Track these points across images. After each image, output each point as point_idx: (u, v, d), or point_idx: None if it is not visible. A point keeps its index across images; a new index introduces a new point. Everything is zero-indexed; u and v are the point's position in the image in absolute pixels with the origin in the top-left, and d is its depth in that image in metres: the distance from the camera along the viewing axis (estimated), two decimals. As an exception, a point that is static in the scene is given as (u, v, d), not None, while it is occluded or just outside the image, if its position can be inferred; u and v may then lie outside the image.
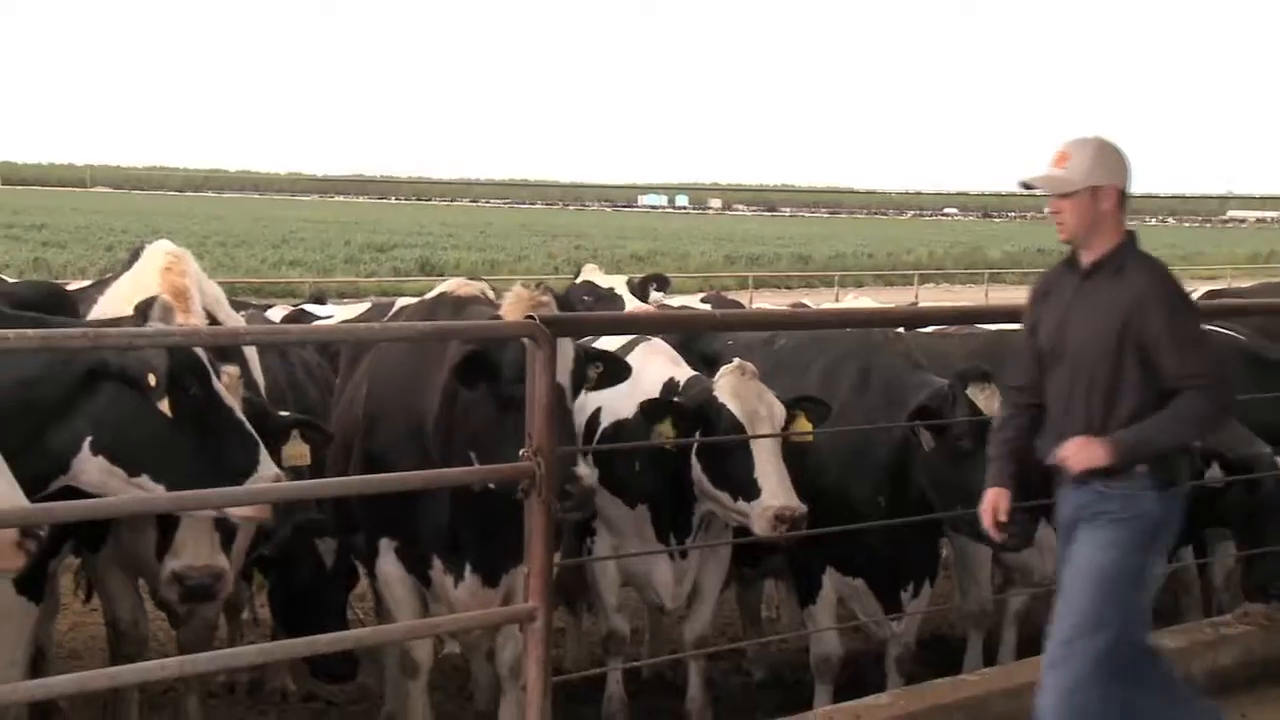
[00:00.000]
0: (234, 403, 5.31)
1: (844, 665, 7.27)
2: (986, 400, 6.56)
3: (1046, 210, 5.26)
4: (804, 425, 6.70)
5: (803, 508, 6.36)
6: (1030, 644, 7.81)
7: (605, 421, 7.05)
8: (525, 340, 5.10)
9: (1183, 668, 7.09)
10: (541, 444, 4.99)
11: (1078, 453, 5.05)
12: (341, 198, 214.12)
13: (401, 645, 6.71)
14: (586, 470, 5.43)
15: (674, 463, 6.70)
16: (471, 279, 10.44)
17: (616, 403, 6.84)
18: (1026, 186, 5.20)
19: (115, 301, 6.52)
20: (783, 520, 6.32)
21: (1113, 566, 5.06)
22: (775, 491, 6.38)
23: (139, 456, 5.06)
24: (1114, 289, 5.08)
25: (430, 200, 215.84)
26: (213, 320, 6.39)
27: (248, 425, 5.24)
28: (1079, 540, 5.16)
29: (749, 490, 6.44)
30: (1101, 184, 5.07)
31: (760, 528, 6.40)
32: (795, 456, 6.76)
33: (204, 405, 5.13)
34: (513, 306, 5.94)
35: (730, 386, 6.61)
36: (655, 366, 7.16)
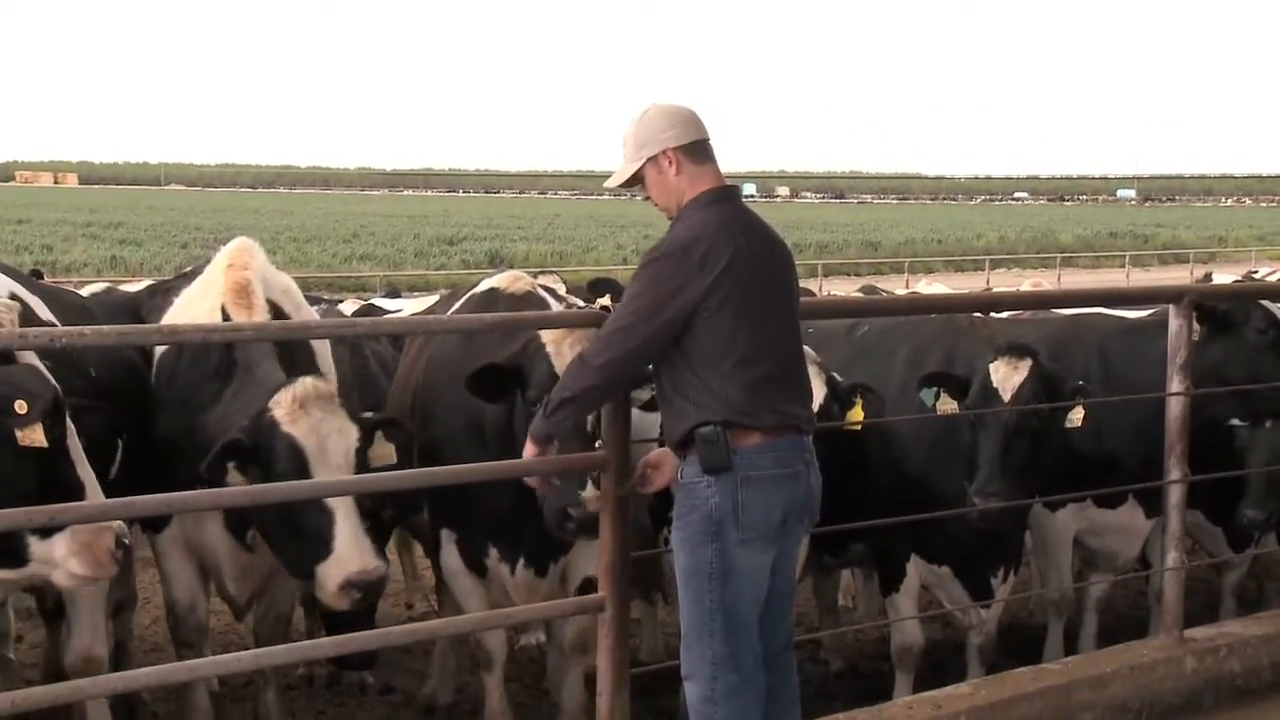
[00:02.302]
0: (77, 448, 5.04)
1: (924, 655, 7.20)
2: (1004, 376, 6.50)
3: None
4: (857, 414, 6.62)
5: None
6: (1112, 632, 7.74)
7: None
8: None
9: (1269, 656, 7.01)
10: (610, 435, 5.00)
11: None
12: (410, 191, 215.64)
13: (474, 636, 6.72)
14: (593, 493, 5.30)
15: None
16: (539, 272, 10.46)
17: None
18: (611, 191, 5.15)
19: (186, 302, 6.59)
20: None
21: (687, 565, 4.84)
22: None
23: None
24: None
25: (498, 192, 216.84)
26: (278, 313, 6.38)
27: (80, 471, 4.99)
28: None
29: None
30: (652, 152, 4.85)
31: None
32: (881, 443, 6.72)
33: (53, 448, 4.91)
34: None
35: None
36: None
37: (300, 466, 5.52)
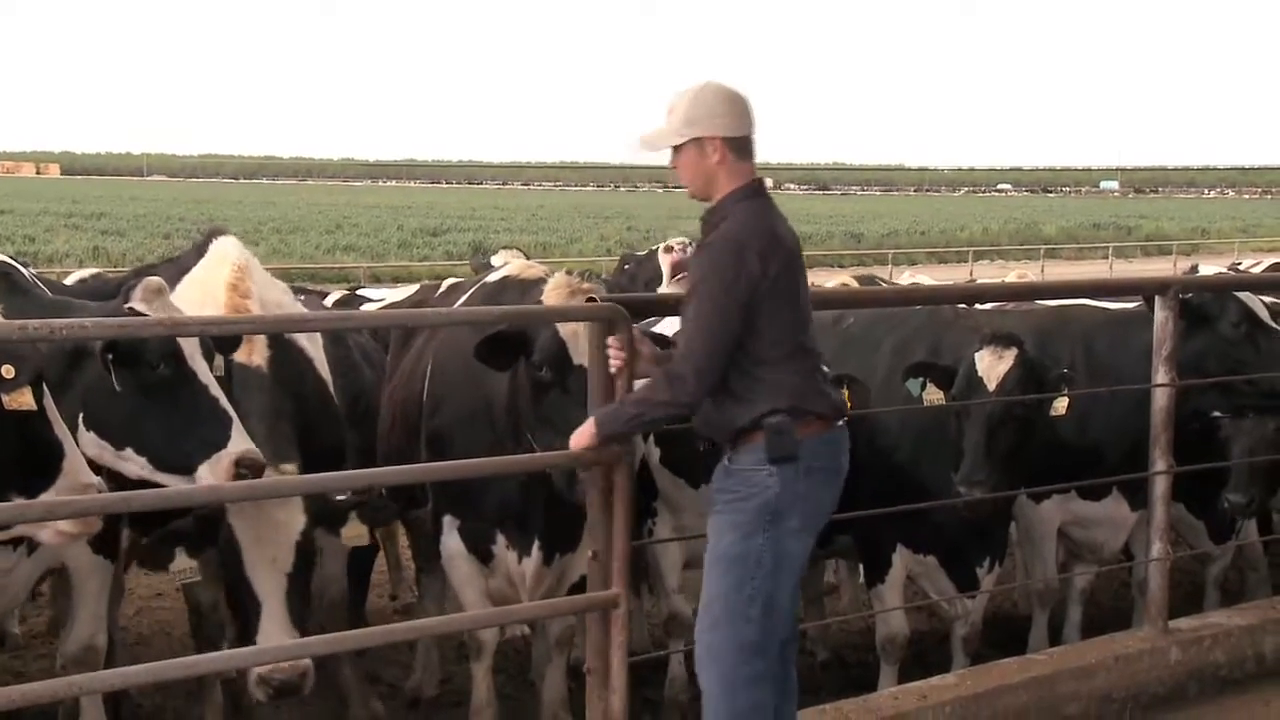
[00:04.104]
0: (210, 380, 5.43)
1: (909, 645, 7.21)
2: (989, 366, 6.52)
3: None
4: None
5: None
6: (1096, 622, 7.77)
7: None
8: (592, 324, 5.08)
9: (1252, 646, 7.04)
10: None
11: (580, 430, 4.90)
12: (393, 182, 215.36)
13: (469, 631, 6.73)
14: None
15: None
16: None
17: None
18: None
19: (184, 302, 6.55)
20: None
21: (731, 550, 4.84)
22: None
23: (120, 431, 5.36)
24: (703, 243, 4.89)
25: (482, 184, 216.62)
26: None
27: (223, 402, 5.39)
28: (709, 525, 4.97)
29: None
30: (699, 134, 4.79)
31: None
32: (868, 434, 6.71)
33: (173, 383, 5.34)
34: (553, 293, 6.00)
35: None
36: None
37: (235, 556, 5.58)
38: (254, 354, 6.12)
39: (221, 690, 6.67)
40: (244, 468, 5.24)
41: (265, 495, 5.52)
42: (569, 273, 6.23)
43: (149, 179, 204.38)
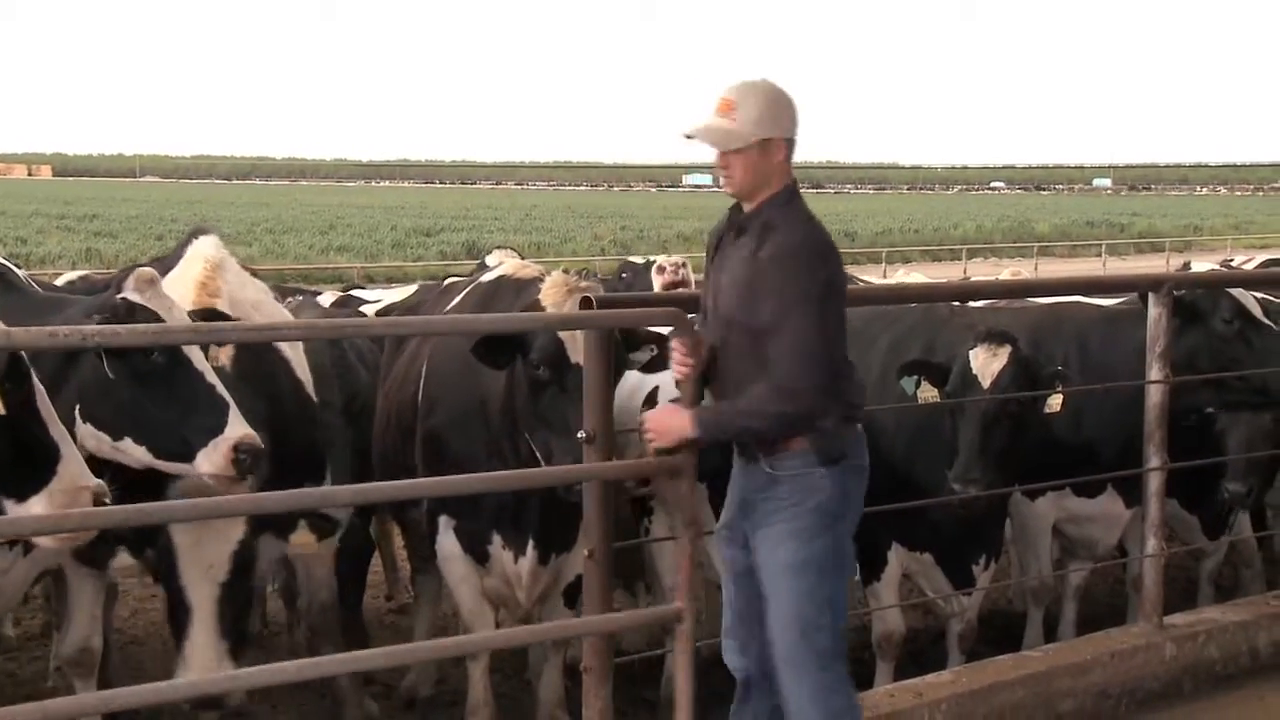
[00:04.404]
0: (205, 367, 5.44)
1: (904, 643, 7.22)
2: (983, 363, 6.54)
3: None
4: None
5: None
6: (1091, 619, 7.77)
7: (664, 400, 7.02)
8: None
9: (1246, 642, 7.06)
10: (593, 414, 5.00)
11: (661, 423, 4.79)
12: (387, 183, 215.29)
13: (464, 624, 6.73)
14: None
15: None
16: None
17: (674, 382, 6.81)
18: (688, 138, 4.82)
19: None
20: None
21: (797, 558, 4.78)
22: None
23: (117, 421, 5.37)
24: (747, 253, 4.78)
25: (475, 184, 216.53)
26: None
27: (219, 388, 5.39)
28: (761, 536, 4.87)
29: None
30: (770, 135, 4.75)
31: None
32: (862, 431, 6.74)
33: (168, 370, 5.34)
34: (550, 292, 5.99)
35: None
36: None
37: (170, 560, 5.57)
38: (220, 353, 6.09)
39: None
40: (243, 452, 5.24)
41: (279, 507, 5.49)
42: (566, 271, 6.24)
43: (141, 180, 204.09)
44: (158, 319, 5.37)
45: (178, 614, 5.61)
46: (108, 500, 4.95)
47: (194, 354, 5.42)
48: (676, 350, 4.85)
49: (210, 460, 5.25)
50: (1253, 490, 7.44)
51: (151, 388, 5.35)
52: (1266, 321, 7.43)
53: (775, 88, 4.82)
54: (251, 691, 7.35)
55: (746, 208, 4.85)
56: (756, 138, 4.73)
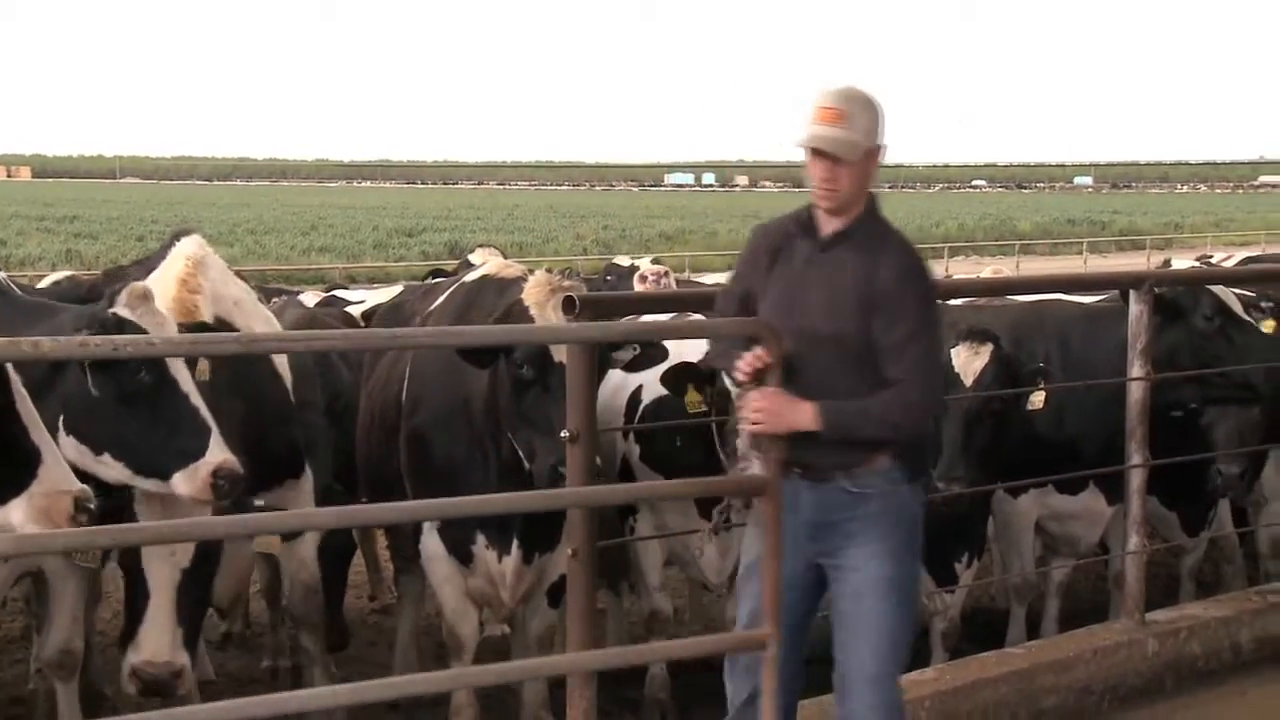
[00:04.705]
0: (192, 388, 5.42)
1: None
2: (965, 361, 6.55)
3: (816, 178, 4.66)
4: None
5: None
6: (1074, 616, 7.79)
7: (646, 399, 7.03)
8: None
9: (1228, 637, 7.08)
10: (576, 416, 4.98)
11: (777, 406, 4.49)
12: (368, 183, 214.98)
13: (447, 623, 6.72)
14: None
15: (713, 438, 6.67)
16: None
17: (658, 380, 6.82)
18: (815, 151, 4.61)
19: None
20: None
21: (893, 576, 4.71)
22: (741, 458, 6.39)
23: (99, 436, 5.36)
24: (859, 265, 4.64)
25: (457, 184, 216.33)
26: (227, 329, 6.35)
27: (203, 411, 5.38)
28: (847, 555, 4.72)
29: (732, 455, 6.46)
30: (878, 143, 4.68)
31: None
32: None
33: (153, 389, 5.33)
34: (533, 291, 6.00)
35: None
36: (693, 344, 7.14)
37: (134, 552, 5.61)
38: (205, 365, 6.05)
39: (198, 693, 6.63)
40: (221, 478, 5.23)
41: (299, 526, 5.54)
42: (549, 270, 6.25)
43: (122, 181, 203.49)
44: (142, 333, 5.33)
45: (135, 597, 5.64)
46: (91, 505, 4.92)
47: (180, 374, 5.41)
48: (759, 357, 4.53)
49: (189, 483, 5.27)
50: (1246, 472, 7.47)
51: (136, 406, 5.35)
52: (1246, 318, 7.47)
53: (871, 95, 4.73)
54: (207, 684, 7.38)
55: (834, 218, 4.70)
56: (869, 145, 4.65)
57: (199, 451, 5.28)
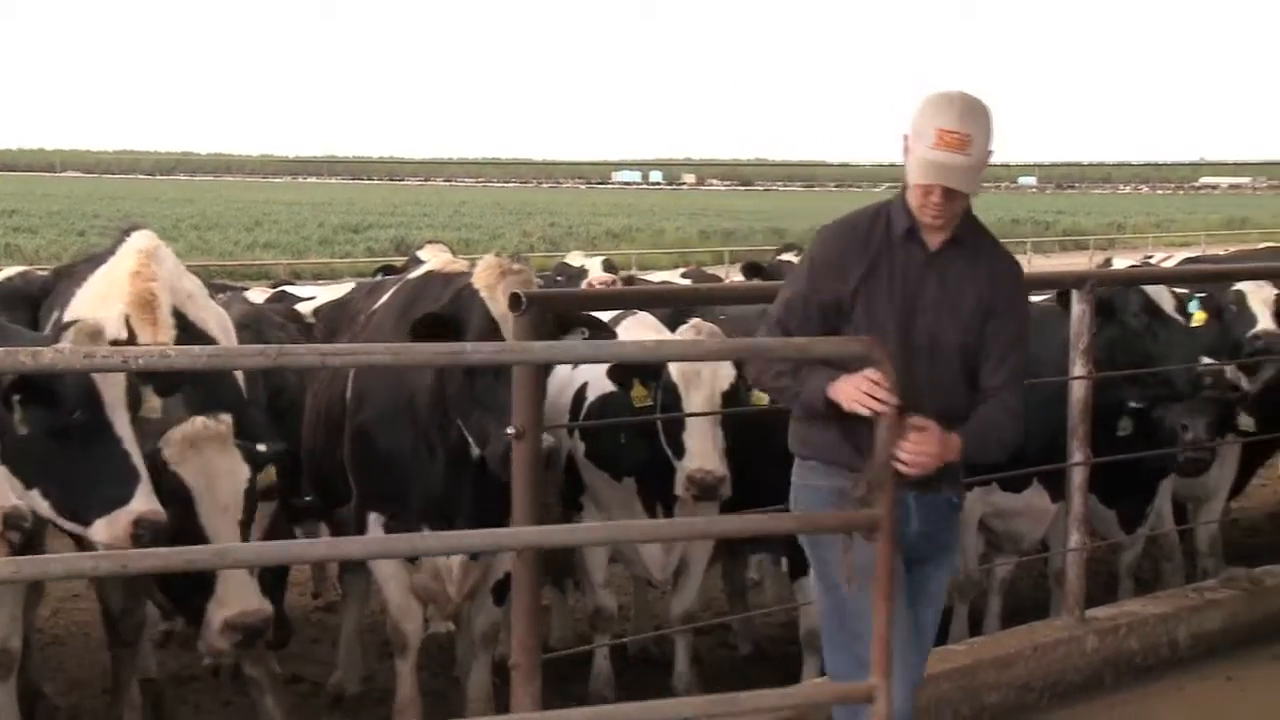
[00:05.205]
0: (127, 433, 5.30)
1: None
2: None
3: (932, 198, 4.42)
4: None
5: (720, 471, 6.38)
6: (1015, 613, 7.85)
7: (591, 396, 7.04)
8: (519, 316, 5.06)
9: (1166, 634, 7.16)
10: (523, 416, 4.97)
11: (931, 447, 4.31)
12: (314, 179, 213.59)
13: (392, 620, 6.71)
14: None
15: (658, 435, 6.69)
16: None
17: (603, 377, 6.83)
18: (947, 191, 4.39)
19: (91, 296, 6.48)
20: (694, 482, 6.39)
21: (943, 591, 4.84)
22: (694, 454, 6.44)
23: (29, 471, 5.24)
24: (973, 271, 4.54)
25: (403, 180, 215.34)
26: (182, 322, 6.33)
27: (134, 457, 5.28)
28: (933, 565, 4.74)
29: (679, 451, 6.51)
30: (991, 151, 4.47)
31: (677, 488, 6.51)
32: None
33: (86, 430, 5.22)
34: (484, 274, 6.02)
35: None
36: (641, 336, 7.17)
37: (187, 506, 5.56)
38: (160, 331, 6.10)
39: (140, 690, 6.59)
40: (143, 529, 5.15)
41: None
42: (498, 254, 6.26)
43: (62, 175, 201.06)
44: (84, 376, 5.17)
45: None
46: (26, 525, 4.95)
47: (117, 416, 5.30)
48: (875, 384, 4.24)
49: (108, 530, 5.18)
50: (1206, 462, 7.61)
51: (66, 446, 5.24)
52: (1174, 316, 7.58)
53: (983, 101, 4.47)
54: (174, 687, 7.32)
55: (941, 229, 4.53)
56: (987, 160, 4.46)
57: (123, 499, 5.18)
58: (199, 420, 5.72)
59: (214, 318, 6.75)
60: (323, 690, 7.58)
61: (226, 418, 5.86)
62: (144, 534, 5.14)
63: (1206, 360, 7.55)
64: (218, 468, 5.65)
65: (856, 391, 4.26)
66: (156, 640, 7.93)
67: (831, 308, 4.54)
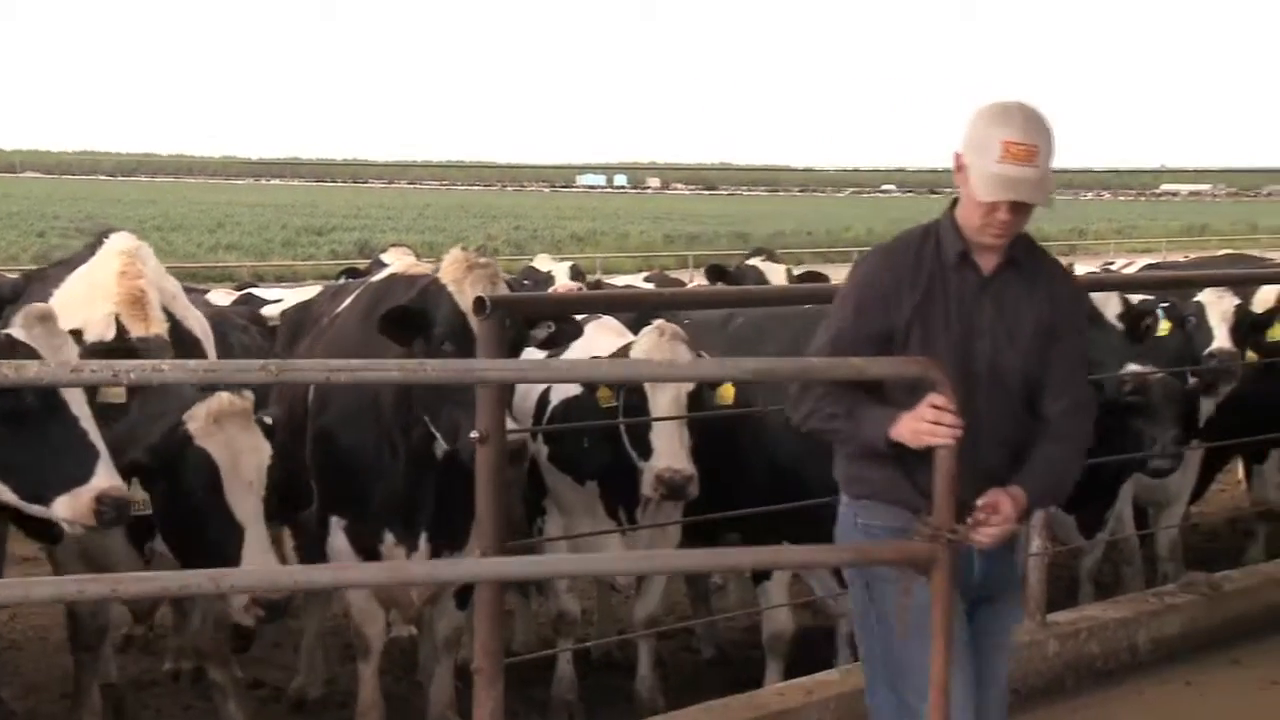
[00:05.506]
0: (84, 411, 5.27)
1: (794, 642, 7.27)
2: None
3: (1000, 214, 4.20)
4: (728, 391, 6.72)
5: (689, 470, 6.37)
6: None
7: (555, 400, 7.03)
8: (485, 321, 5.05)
9: (1126, 638, 7.21)
10: (486, 421, 4.96)
11: (1010, 509, 4.17)
12: (277, 181, 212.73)
13: (354, 624, 6.69)
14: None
15: (622, 438, 6.68)
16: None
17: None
18: (1015, 206, 4.17)
19: (71, 299, 6.44)
20: (663, 482, 6.37)
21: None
22: (661, 453, 6.42)
23: None
24: (1031, 293, 4.34)
25: (367, 182, 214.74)
26: (170, 317, 6.39)
27: (92, 435, 5.25)
28: (1001, 603, 4.56)
29: (645, 452, 6.49)
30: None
31: (645, 488, 6.49)
32: (754, 432, 6.80)
33: (41, 411, 5.18)
34: (452, 267, 6.03)
35: (644, 346, 6.63)
36: (605, 339, 7.18)
37: (213, 482, 5.55)
38: (152, 326, 6.12)
39: (100, 695, 6.55)
40: (105, 505, 5.12)
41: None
42: (464, 248, 6.26)
43: (22, 175, 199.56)
44: (35, 356, 5.16)
45: (223, 536, 5.52)
46: None
47: (72, 397, 5.26)
48: (939, 409, 4.04)
49: (70, 508, 5.14)
50: (1173, 465, 7.71)
51: (21, 429, 5.19)
52: (1113, 322, 7.66)
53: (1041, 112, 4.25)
54: (134, 692, 7.28)
55: (995, 251, 4.31)
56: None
57: (84, 476, 5.15)
58: (224, 395, 5.72)
59: (195, 318, 6.75)
60: (285, 695, 7.54)
61: (249, 394, 5.90)
62: (107, 510, 5.13)
63: (1133, 367, 7.58)
64: (241, 444, 5.66)
65: (922, 423, 4.06)
66: (117, 645, 7.89)
67: (882, 341, 4.30)
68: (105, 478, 5.18)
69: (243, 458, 5.61)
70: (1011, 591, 4.70)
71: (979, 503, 4.12)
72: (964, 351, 4.26)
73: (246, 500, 5.59)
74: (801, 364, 4.55)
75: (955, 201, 4.37)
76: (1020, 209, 4.18)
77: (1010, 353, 4.29)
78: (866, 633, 4.57)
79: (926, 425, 4.04)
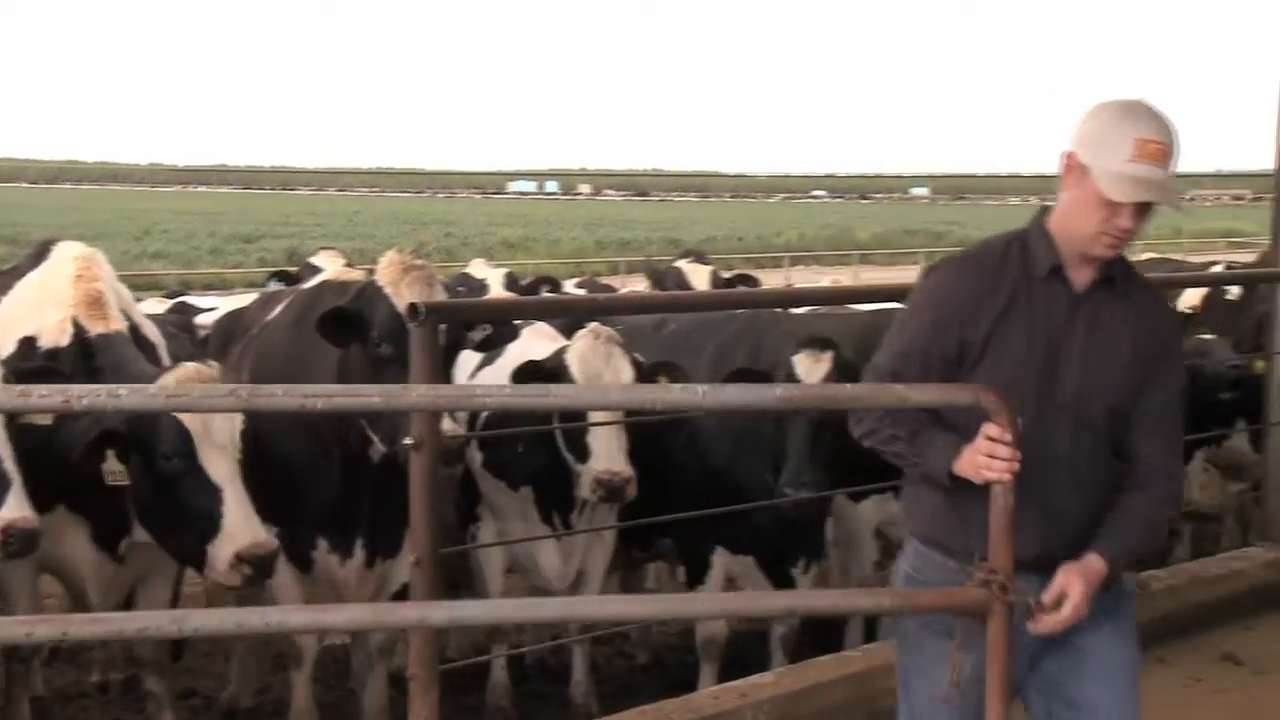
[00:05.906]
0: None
1: (728, 645, 7.29)
2: (808, 370, 6.58)
3: (1121, 222, 3.74)
4: None
5: (627, 472, 6.38)
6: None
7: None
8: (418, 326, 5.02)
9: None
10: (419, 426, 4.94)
11: (1088, 586, 3.72)
12: (204, 188, 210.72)
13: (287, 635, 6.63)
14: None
15: (555, 443, 6.68)
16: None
17: (504, 381, 6.82)
18: (1139, 210, 3.75)
19: (20, 306, 6.35)
20: (601, 484, 6.38)
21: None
22: (599, 455, 6.43)
23: None
24: (1127, 316, 3.90)
25: (295, 189, 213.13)
26: (129, 320, 6.33)
27: (5, 464, 5.18)
28: (1092, 630, 3.91)
29: (582, 454, 6.50)
30: None
31: (583, 491, 6.50)
32: (688, 437, 6.81)
33: None
34: (388, 270, 6.02)
35: (578, 349, 6.64)
36: (540, 342, 7.18)
37: (187, 448, 5.51)
38: (112, 324, 6.07)
39: (29, 707, 6.46)
40: (12, 536, 5.06)
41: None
42: (399, 250, 6.24)
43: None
44: None
45: (204, 499, 5.50)
46: None
47: None
48: (999, 445, 3.60)
49: None
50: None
51: None
52: None
53: None
54: (61, 705, 7.18)
55: (1094, 267, 3.89)
56: None
57: None
58: (190, 365, 5.69)
59: (149, 325, 6.70)
60: (217, 704, 7.47)
61: (214, 363, 5.87)
62: (13, 543, 5.06)
63: None
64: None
65: (979, 457, 3.64)
66: (42, 657, 7.79)
67: (954, 359, 3.88)
68: (14, 509, 5.11)
69: (214, 421, 5.57)
70: (1113, 620, 4.01)
71: (1044, 597, 3.69)
72: (1048, 376, 3.83)
73: (220, 462, 5.56)
74: (830, 391, 4.28)
75: (1044, 209, 4.04)
76: (1143, 213, 3.76)
77: (1100, 382, 3.83)
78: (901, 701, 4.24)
79: (982, 457, 3.62)
